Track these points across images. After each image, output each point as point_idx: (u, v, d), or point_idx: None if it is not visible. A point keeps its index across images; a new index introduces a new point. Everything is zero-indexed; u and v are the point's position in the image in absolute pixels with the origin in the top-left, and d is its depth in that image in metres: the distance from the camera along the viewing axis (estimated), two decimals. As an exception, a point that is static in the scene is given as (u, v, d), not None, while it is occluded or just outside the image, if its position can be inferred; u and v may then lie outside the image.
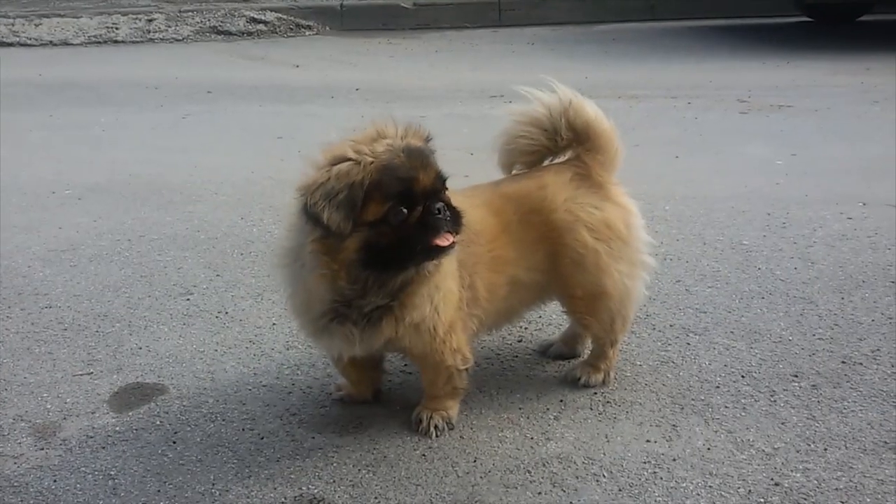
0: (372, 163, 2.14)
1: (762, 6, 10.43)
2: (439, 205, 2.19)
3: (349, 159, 2.15)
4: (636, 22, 10.44)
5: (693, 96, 6.70)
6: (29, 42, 9.79)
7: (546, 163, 2.71)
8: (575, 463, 2.36)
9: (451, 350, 2.43)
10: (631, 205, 2.66)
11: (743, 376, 2.78)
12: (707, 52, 8.61)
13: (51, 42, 9.80)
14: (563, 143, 2.64)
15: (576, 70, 7.48)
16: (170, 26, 10.07)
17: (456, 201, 2.28)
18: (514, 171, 2.75)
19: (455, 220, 2.21)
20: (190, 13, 10.41)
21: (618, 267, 2.57)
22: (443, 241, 2.18)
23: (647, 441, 2.45)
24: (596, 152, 2.64)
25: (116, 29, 10.00)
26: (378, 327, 2.30)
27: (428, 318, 2.34)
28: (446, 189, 2.25)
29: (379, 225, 2.15)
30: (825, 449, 2.39)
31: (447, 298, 2.38)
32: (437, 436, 2.51)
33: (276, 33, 10.16)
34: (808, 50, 8.50)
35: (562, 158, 2.70)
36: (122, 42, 9.81)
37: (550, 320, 3.17)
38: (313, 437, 2.52)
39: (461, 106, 6.64)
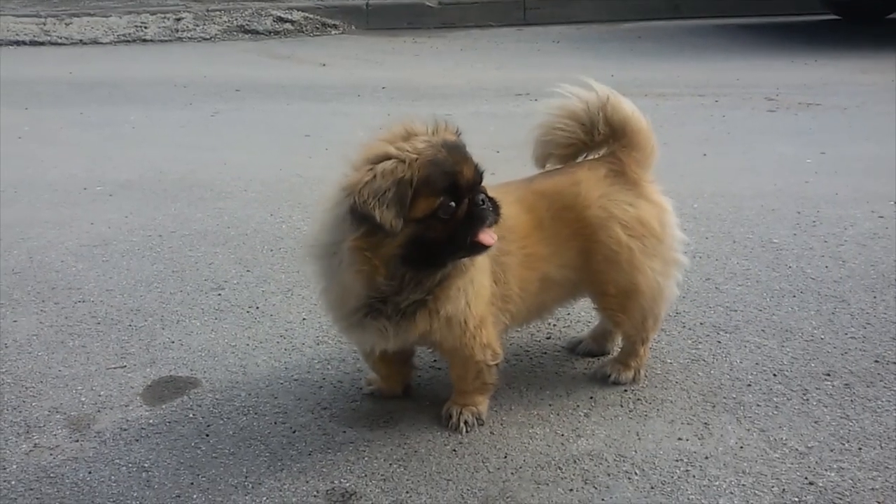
0: (417, 159, 2.15)
1: (788, 4, 10.32)
2: (481, 196, 2.21)
3: (392, 157, 2.16)
4: (661, 20, 10.37)
5: (720, 94, 6.65)
6: (60, 41, 9.90)
7: (580, 159, 2.70)
8: (606, 460, 2.36)
9: (481, 345, 2.44)
10: (665, 202, 2.64)
11: (775, 375, 2.76)
12: (733, 50, 8.54)
13: (81, 41, 9.91)
14: (600, 139, 2.63)
15: (602, 68, 7.45)
16: (198, 25, 10.15)
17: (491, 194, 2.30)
18: (547, 166, 2.74)
19: (496, 210, 2.24)
20: (217, 12, 10.49)
21: (651, 265, 2.56)
22: (488, 239, 2.21)
23: (679, 439, 2.44)
24: (632, 149, 2.63)
25: (145, 28, 10.10)
26: (412, 322, 2.32)
27: (460, 312, 2.35)
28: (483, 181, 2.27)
29: (427, 220, 2.17)
30: (860, 448, 2.37)
31: (479, 293, 2.39)
32: (466, 431, 2.51)
33: (303, 32, 10.21)
34: (836, 48, 8.40)
35: (596, 155, 2.69)
36: (151, 41, 9.90)
37: (579, 317, 3.17)
38: (344, 432, 2.53)
39: (486, 104, 6.64)
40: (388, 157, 2.17)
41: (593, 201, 2.54)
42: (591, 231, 2.54)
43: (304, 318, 3.22)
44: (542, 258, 2.52)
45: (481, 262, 2.36)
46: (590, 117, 2.61)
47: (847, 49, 8.32)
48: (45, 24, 10.23)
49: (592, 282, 2.61)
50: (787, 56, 8.07)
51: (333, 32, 10.31)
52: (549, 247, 2.53)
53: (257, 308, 3.33)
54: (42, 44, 9.86)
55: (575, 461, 2.36)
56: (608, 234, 2.53)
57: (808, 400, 2.62)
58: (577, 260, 2.56)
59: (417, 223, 2.17)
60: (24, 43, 9.84)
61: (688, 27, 9.97)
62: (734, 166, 4.94)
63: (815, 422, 2.51)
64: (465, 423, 2.53)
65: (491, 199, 2.24)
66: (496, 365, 2.52)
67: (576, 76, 2.71)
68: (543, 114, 2.68)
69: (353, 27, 10.47)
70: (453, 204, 2.18)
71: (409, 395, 2.73)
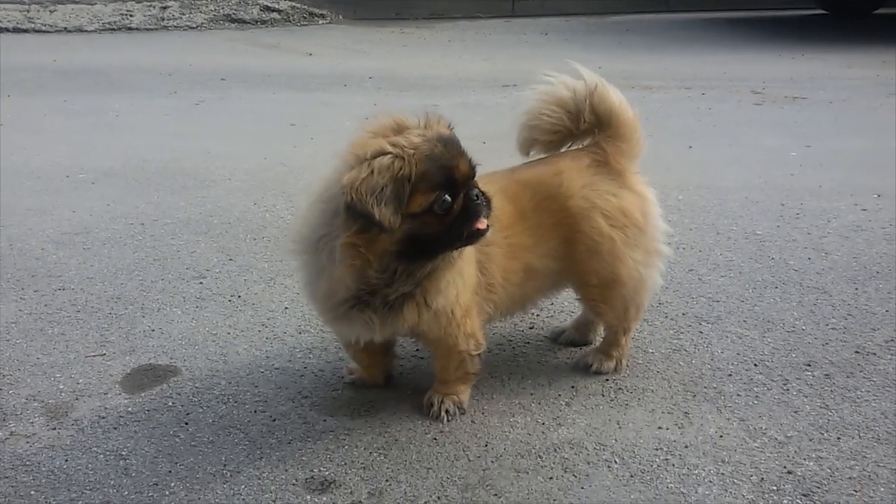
0: (414, 154, 2.11)
1: (777, -1, 10.38)
2: (475, 191, 2.20)
3: (387, 152, 2.11)
4: (650, 13, 10.40)
5: (707, 87, 6.66)
6: (44, 28, 9.81)
7: (564, 147, 2.69)
8: (586, 449, 2.36)
9: (465, 334, 2.43)
10: (649, 193, 2.63)
11: (756, 365, 2.76)
12: (721, 43, 8.57)
13: (65, 28, 9.82)
14: (585, 127, 2.62)
15: (589, 60, 7.33)
16: (183, 14, 10.08)
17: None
18: (531, 153, 2.72)
19: (489, 204, 2.23)
20: (204, 1, 10.42)
21: (633, 255, 2.55)
22: (481, 224, 2.20)
23: (659, 428, 2.44)
24: (617, 140, 2.61)
25: (130, 16, 10.02)
26: (400, 314, 2.30)
27: (449, 304, 2.35)
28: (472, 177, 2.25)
29: (423, 215, 2.14)
30: (838, 438, 2.38)
31: (467, 283, 2.38)
32: (448, 420, 2.51)
33: (290, 22, 10.17)
34: (824, 42, 8.44)
35: (581, 144, 2.68)
36: (136, 29, 9.83)
37: (562, 307, 3.17)
38: (325, 420, 2.52)
39: (474, 95, 6.63)
40: (383, 153, 2.11)
41: (576, 191, 2.53)
42: (573, 221, 2.53)
43: (286, 308, 3.20)
44: (525, 248, 2.51)
45: (469, 251, 2.36)
46: (576, 105, 2.59)
47: (834, 44, 8.36)
48: (28, 11, 10.14)
49: (574, 272, 2.60)
50: (774, 50, 8.10)
51: (321, 22, 10.27)
52: (531, 237, 2.52)
53: (239, 297, 3.31)
54: (26, 31, 9.77)
55: (555, 450, 2.36)
56: (590, 224, 2.52)
57: (788, 390, 2.63)
58: (559, 250, 2.55)
59: (413, 218, 2.13)
60: (6, 30, 9.75)
61: (676, 21, 10.00)
62: (720, 159, 4.95)
63: (795, 412, 2.52)
64: (447, 411, 2.52)
65: (483, 193, 2.23)
66: (479, 355, 2.51)
67: (570, 63, 2.69)
68: (530, 99, 2.66)
69: (341, 17, 10.43)
70: (450, 199, 2.15)
71: (391, 384, 2.71)
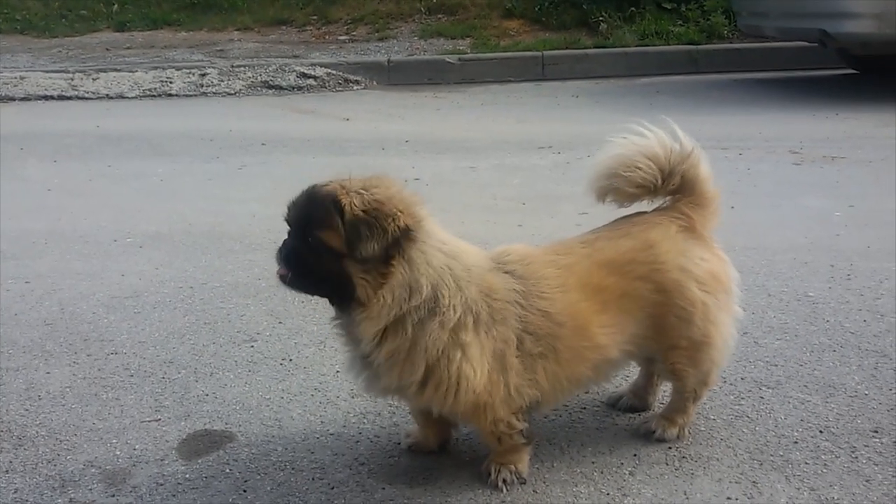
0: None
1: (805, 59, 10.43)
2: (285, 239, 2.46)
3: None
4: (680, 75, 10.48)
5: (744, 147, 6.66)
6: (87, 95, 10.11)
7: (634, 203, 2.66)
8: (654, 519, 2.30)
9: (488, 421, 2.38)
10: (727, 258, 2.62)
11: (821, 432, 2.70)
12: (754, 103, 8.60)
13: (107, 95, 10.11)
14: (670, 189, 2.60)
15: (621, 122, 7.40)
16: (222, 81, 10.34)
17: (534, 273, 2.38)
18: (606, 202, 2.65)
19: (282, 254, 2.50)
20: (242, 68, 10.69)
21: (723, 318, 2.52)
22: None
23: (728, 498, 2.38)
24: (700, 206, 2.59)
25: (170, 83, 10.30)
26: (380, 374, 2.32)
27: (436, 396, 2.31)
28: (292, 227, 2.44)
29: None
30: (916, 509, 2.30)
31: (465, 381, 2.28)
32: (506, 490, 2.45)
33: (325, 88, 10.38)
34: (856, 102, 8.43)
35: (650, 203, 2.66)
36: (176, 96, 10.09)
37: (617, 371, 3.12)
38: (383, 489, 2.48)
39: (510, 157, 6.68)
40: None
41: (672, 265, 2.46)
42: (666, 296, 2.45)
43: (337, 371, 3.19)
44: (600, 347, 2.42)
45: (456, 353, 2.26)
46: (670, 165, 2.57)
47: (867, 103, 8.35)
48: (72, 79, 10.46)
49: (662, 339, 2.52)
50: (808, 110, 8.11)
51: (355, 88, 10.49)
52: (612, 332, 2.42)
53: (290, 360, 3.31)
54: (70, 98, 10.07)
55: (622, 521, 2.30)
56: (683, 294, 2.45)
57: (856, 458, 2.55)
58: (645, 331, 2.48)
59: None
60: (52, 97, 10.07)
61: (706, 81, 10.06)
62: (763, 219, 4.93)
63: (867, 480, 2.44)
64: (504, 481, 2.47)
65: (284, 244, 2.48)
66: (521, 431, 2.41)
67: (667, 120, 2.70)
68: (624, 146, 2.62)
69: (375, 83, 10.64)
70: None
71: (446, 450, 2.67)
